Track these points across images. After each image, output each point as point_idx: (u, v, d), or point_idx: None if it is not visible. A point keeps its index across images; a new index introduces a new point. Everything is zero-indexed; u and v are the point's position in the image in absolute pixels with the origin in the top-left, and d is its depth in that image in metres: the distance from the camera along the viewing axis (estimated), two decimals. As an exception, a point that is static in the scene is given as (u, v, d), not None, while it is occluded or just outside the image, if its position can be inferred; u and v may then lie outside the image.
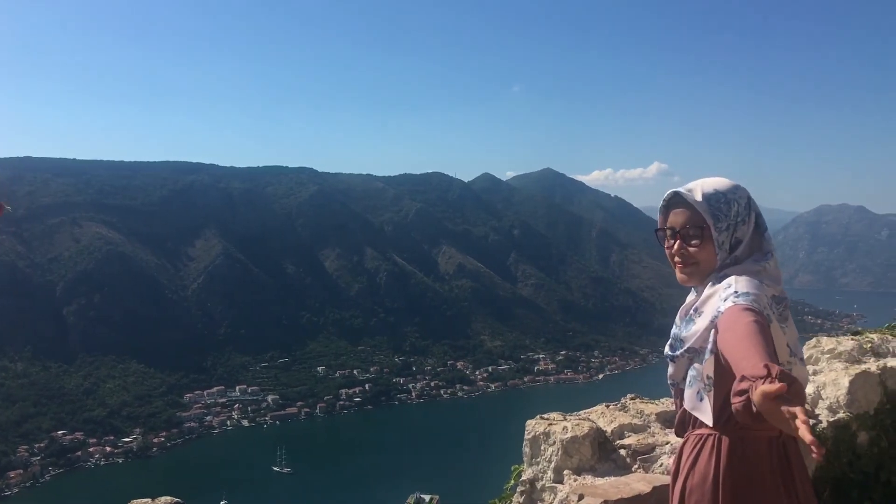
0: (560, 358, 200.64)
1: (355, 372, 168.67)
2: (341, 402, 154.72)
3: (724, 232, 2.92)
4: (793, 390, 2.06)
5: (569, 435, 4.25)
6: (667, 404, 4.91)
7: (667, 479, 3.63)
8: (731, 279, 2.77)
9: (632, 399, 5.06)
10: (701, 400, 2.80)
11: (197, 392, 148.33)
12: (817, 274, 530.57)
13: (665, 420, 4.67)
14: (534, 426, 4.54)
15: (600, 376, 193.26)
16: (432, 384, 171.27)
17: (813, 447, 2.00)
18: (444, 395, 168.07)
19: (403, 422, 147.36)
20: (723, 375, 2.65)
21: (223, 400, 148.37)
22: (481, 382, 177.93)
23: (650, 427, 4.58)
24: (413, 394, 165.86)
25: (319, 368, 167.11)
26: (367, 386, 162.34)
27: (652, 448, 4.22)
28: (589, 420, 4.53)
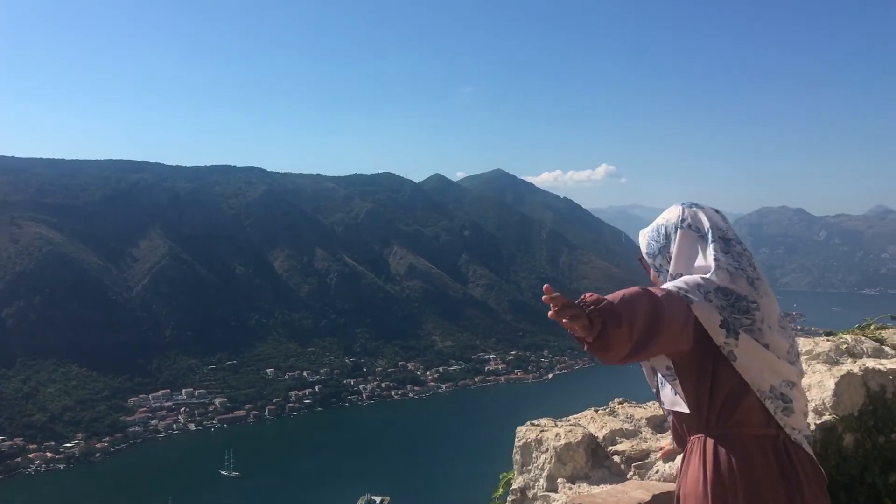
0: (510, 358, 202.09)
1: (305, 374, 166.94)
2: (291, 405, 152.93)
3: (657, 257, 2.98)
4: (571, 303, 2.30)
5: (562, 442, 4.11)
6: (655, 408, 4.81)
7: (665, 487, 3.61)
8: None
9: (619, 403, 4.96)
10: (675, 393, 2.84)
11: (142, 396, 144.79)
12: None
13: (655, 425, 4.58)
14: (524, 433, 4.35)
15: (550, 376, 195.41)
16: (383, 385, 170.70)
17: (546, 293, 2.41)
18: (395, 396, 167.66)
19: (354, 423, 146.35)
20: (682, 363, 2.70)
21: (169, 403, 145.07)
22: (432, 383, 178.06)
23: (641, 432, 4.49)
24: (364, 395, 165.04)
25: (268, 370, 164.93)
26: (317, 388, 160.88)
27: (646, 454, 4.11)
28: (580, 426, 4.38)
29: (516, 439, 4.37)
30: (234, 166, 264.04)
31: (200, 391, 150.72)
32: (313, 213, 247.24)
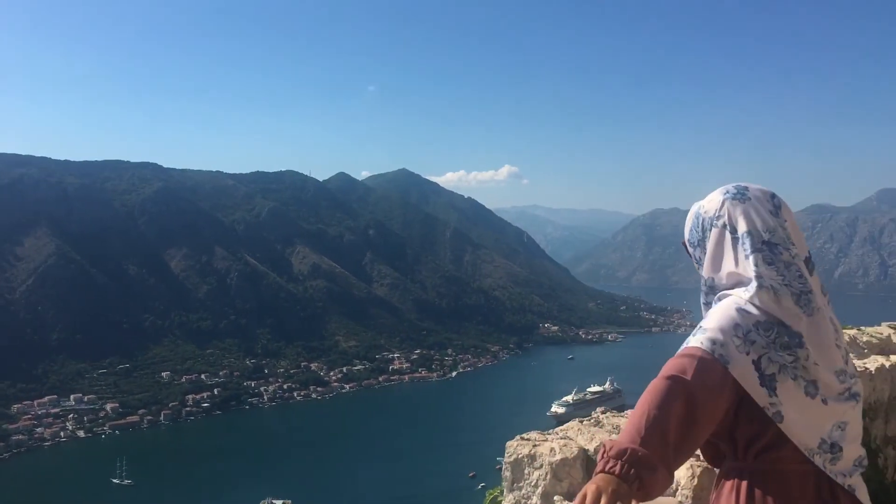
0: (414, 357, 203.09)
1: (203, 376, 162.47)
2: (188, 409, 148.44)
3: (696, 248, 2.68)
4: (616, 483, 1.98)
5: (558, 457, 3.92)
6: None
7: (668, 501, 3.50)
8: (714, 308, 2.49)
9: (603, 413, 4.83)
10: None
11: (26, 402, 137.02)
12: (652, 272, 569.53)
13: None
14: (515, 448, 4.13)
15: (454, 374, 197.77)
16: (285, 387, 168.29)
17: None
18: (298, 398, 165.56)
19: (255, 426, 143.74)
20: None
21: (56, 410, 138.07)
22: (336, 383, 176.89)
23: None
24: (265, 397, 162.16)
25: (164, 374, 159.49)
26: (216, 391, 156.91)
27: None
28: (570, 439, 4.25)
29: (506, 455, 4.17)
30: (128, 161, 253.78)
31: (90, 396, 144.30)
32: (212, 210, 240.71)
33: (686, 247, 2.80)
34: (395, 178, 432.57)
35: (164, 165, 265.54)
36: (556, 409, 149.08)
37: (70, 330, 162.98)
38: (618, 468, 2.01)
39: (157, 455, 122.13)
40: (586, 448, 4.08)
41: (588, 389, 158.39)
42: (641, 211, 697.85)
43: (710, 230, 2.57)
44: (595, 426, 4.45)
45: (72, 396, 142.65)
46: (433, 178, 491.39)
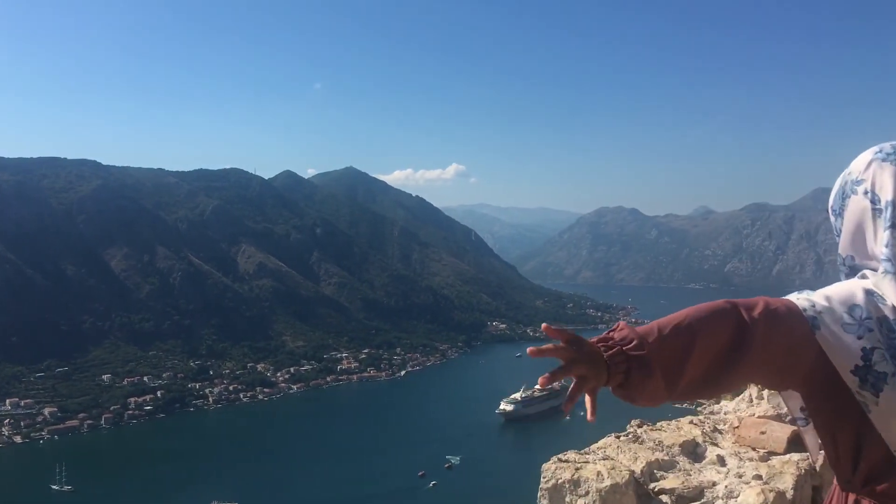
0: (363, 356, 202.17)
1: (146, 379, 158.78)
2: (130, 412, 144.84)
3: (837, 217, 2.14)
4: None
5: (607, 483, 3.41)
6: (682, 429, 4.13)
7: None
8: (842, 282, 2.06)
9: (638, 425, 4.25)
10: (817, 442, 2.15)
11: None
12: (597, 270, 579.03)
13: (689, 452, 3.90)
14: (554, 471, 3.62)
15: (402, 373, 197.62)
16: (231, 388, 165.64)
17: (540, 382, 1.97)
18: (244, 399, 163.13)
19: (200, 429, 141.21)
20: (815, 404, 1.98)
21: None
22: (283, 384, 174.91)
23: (678, 462, 3.80)
24: (210, 399, 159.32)
25: (104, 377, 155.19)
26: (159, 393, 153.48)
27: (700, 492, 3.47)
28: (611, 458, 3.75)
29: (542, 479, 3.68)
30: (65, 158, 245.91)
31: (27, 401, 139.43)
32: (154, 209, 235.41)
33: (829, 215, 2.22)
34: (341, 177, 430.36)
35: (103, 163, 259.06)
36: (505, 406, 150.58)
37: (5, 332, 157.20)
38: (610, 352, 1.84)
39: (98, 460, 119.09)
40: (633, 469, 3.62)
41: (536, 387, 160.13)
42: (588, 209, 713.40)
43: (850, 197, 2.06)
44: (634, 442, 3.99)
45: (7, 401, 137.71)
46: (380, 177, 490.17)
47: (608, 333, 1.89)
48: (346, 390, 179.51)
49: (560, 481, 3.59)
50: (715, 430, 4.15)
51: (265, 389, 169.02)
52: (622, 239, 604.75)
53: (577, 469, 3.58)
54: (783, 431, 3.83)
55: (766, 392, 4.18)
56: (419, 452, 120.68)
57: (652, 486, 3.56)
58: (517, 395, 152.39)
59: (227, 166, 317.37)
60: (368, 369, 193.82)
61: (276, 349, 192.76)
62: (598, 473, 3.49)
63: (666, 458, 3.79)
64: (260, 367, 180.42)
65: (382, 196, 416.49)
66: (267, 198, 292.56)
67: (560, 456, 3.85)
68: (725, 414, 4.47)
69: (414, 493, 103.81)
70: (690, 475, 3.66)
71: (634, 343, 1.81)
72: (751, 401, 4.37)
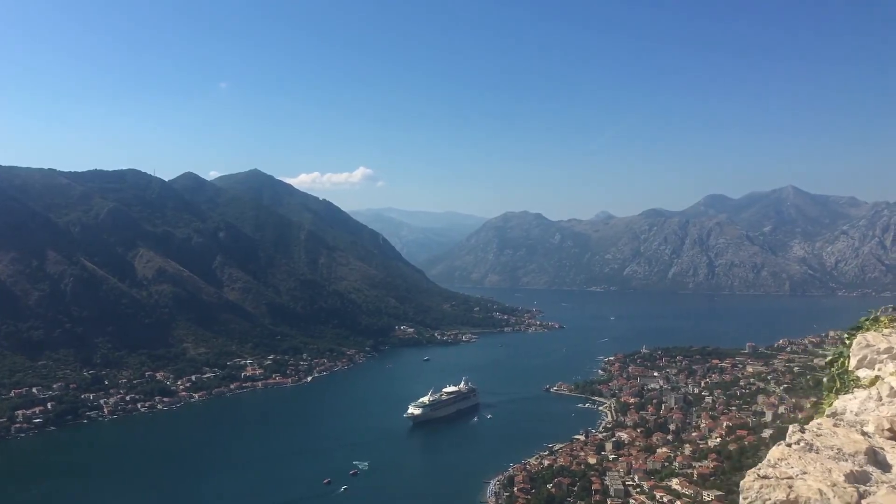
0: (268, 362, 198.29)
1: (35, 390, 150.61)
2: (18, 425, 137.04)
3: None
4: None
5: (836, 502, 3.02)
6: (848, 435, 3.88)
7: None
8: None
9: (800, 431, 3.83)
10: None
11: None
12: (504, 274, 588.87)
13: (877, 462, 3.63)
14: (759, 490, 3.13)
15: (309, 379, 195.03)
16: (128, 398, 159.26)
17: None
18: (143, 409, 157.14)
19: (94, 441, 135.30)
20: None
21: None
22: (184, 393, 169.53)
23: (870, 473, 3.49)
24: (105, 410, 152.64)
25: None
26: (49, 405, 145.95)
27: None
28: (805, 473, 3.34)
29: (744, 500, 3.25)
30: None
31: None
32: (44, 211, 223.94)
33: None
34: (246, 179, 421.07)
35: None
36: (413, 410, 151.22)
37: None
38: None
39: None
40: (834, 483, 3.22)
41: (444, 390, 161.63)
42: (494, 214, 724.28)
43: None
44: (809, 451, 3.55)
45: None
46: (286, 180, 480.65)
47: None
48: (251, 398, 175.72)
49: (770, 503, 3.08)
50: (863, 432, 3.92)
51: (165, 399, 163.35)
52: (527, 243, 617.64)
53: (789, 488, 3.08)
54: None
55: None
56: (326, 459, 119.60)
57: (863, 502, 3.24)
58: (425, 399, 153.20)
59: (125, 167, 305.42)
60: (274, 375, 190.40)
61: (176, 357, 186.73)
62: (820, 493, 3.00)
63: (858, 469, 3.45)
64: (159, 375, 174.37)
65: (289, 199, 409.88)
66: (167, 200, 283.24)
67: (759, 471, 3.36)
68: (856, 415, 4.27)
69: (323, 499, 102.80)
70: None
71: None
72: (879, 399, 4.27)
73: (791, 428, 3.84)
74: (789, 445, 3.63)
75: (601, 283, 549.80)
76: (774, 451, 3.54)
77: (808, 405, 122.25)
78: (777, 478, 3.15)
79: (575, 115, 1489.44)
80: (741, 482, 3.22)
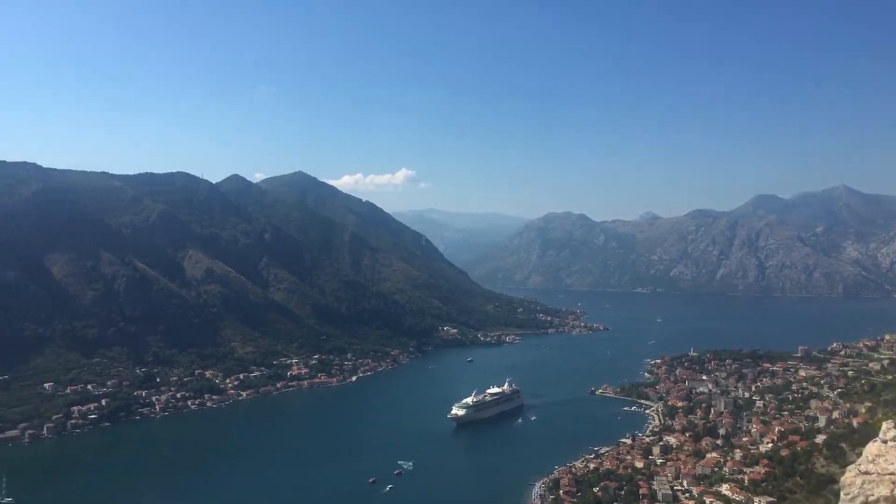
0: (313, 362, 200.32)
1: (90, 387, 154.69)
2: (73, 421, 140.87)
3: None
4: None
5: None
6: None
7: None
8: None
9: (894, 428, 3.75)
10: None
11: None
12: (547, 275, 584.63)
13: None
14: (861, 486, 3.05)
15: (354, 378, 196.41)
16: (178, 396, 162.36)
17: None
18: (192, 407, 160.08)
19: (146, 438, 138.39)
20: None
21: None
22: (232, 391, 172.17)
23: None
24: (157, 407, 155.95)
25: (46, 385, 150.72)
26: (103, 401, 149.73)
27: None
28: None
29: (845, 495, 3.23)
30: (2, 161, 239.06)
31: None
32: (98, 213, 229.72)
33: None
34: (291, 181, 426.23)
35: (44, 166, 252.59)
36: (457, 411, 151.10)
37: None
38: None
39: (40, 471, 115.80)
40: None
41: (487, 391, 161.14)
42: (536, 215, 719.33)
43: None
44: None
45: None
46: (330, 182, 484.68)
47: None
48: (297, 396, 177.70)
49: (872, 498, 3.08)
50: None
51: (214, 396, 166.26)
52: (570, 244, 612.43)
53: (893, 483, 3.05)
54: None
55: None
56: (371, 458, 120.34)
57: None
58: (469, 400, 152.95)
59: (174, 170, 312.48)
60: (319, 375, 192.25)
61: (224, 355, 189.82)
62: None
63: None
64: (208, 373, 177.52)
65: (332, 201, 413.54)
66: (214, 202, 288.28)
67: (860, 467, 3.32)
68: None
69: (369, 498, 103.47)
70: None
71: None
72: None
73: (885, 425, 3.68)
74: (885, 442, 3.53)
75: (647, 284, 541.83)
76: (871, 448, 3.46)
77: (863, 410, 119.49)
78: (879, 473, 3.07)
79: (619, 119, 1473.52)
80: (841, 478, 3.06)
